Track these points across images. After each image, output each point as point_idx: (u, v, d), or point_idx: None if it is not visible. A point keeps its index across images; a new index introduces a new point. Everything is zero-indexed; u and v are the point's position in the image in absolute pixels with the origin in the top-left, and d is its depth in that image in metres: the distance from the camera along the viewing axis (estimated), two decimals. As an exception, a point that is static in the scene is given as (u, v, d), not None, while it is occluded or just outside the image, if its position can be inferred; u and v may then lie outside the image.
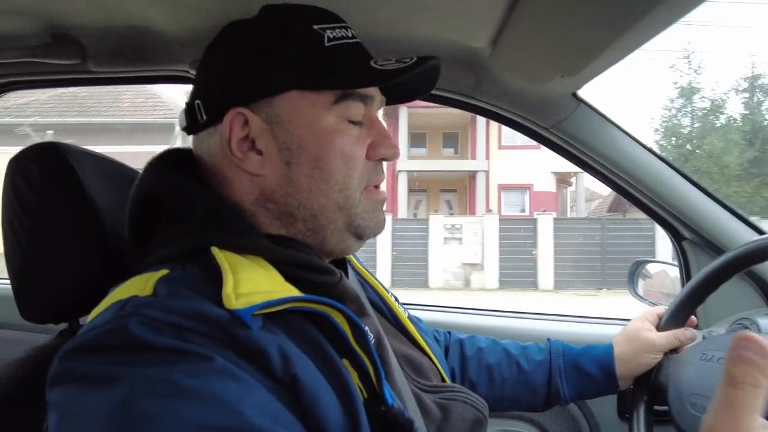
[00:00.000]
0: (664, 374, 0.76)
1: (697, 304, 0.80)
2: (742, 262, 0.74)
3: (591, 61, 0.76)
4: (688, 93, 15.09)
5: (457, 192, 15.36)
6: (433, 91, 1.03)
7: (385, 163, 0.61)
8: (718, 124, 14.46)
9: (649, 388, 0.78)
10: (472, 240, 11.53)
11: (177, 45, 0.92)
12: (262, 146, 0.54)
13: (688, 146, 15.52)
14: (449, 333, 0.88)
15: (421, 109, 13.23)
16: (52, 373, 0.41)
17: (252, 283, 0.46)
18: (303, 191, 0.54)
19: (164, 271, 0.47)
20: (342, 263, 0.65)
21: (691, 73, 14.96)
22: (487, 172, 13.91)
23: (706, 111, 15.00)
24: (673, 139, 16.09)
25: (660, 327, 0.81)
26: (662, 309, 0.84)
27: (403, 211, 13.81)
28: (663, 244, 10.76)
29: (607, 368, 0.79)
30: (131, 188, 0.56)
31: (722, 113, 14.68)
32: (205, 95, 0.56)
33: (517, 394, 0.81)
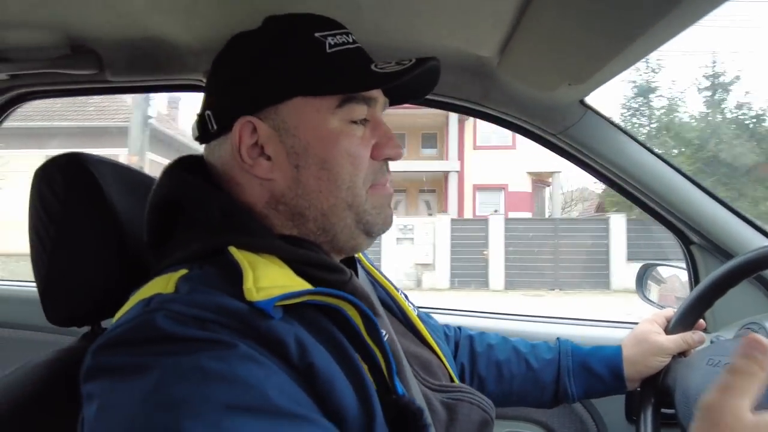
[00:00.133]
0: (672, 377, 0.77)
1: (705, 308, 0.80)
2: (752, 267, 0.74)
3: (599, 69, 0.76)
4: (645, 92, 14.79)
5: (436, 192, 15.20)
6: (440, 99, 1.06)
7: (390, 163, 0.62)
8: (675, 123, 14.18)
9: (657, 391, 0.78)
10: (423, 240, 11.53)
11: (191, 55, 0.95)
12: (270, 152, 0.56)
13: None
14: (459, 329, 0.90)
15: (400, 110, 13.19)
16: (86, 368, 0.43)
17: (270, 279, 0.48)
18: (312, 192, 0.56)
19: (183, 271, 0.49)
20: (352, 263, 0.67)
21: (649, 72, 14.70)
22: (459, 173, 13.72)
23: (663, 110, 14.71)
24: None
25: (668, 330, 0.81)
26: (671, 312, 0.84)
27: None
28: (617, 243, 10.67)
29: (615, 369, 0.80)
30: (148, 194, 0.58)
31: (678, 112, 14.38)
32: (215, 106, 0.58)
33: (525, 390, 0.82)
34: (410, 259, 11.52)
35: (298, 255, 0.53)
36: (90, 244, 0.63)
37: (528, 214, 12.90)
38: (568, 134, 0.99)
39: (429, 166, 14.39)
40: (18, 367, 0.59)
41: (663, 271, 1.29)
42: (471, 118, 13.20)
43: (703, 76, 13.45)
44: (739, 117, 12.98)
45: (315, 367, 0.44)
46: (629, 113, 14.90)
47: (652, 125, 14.82)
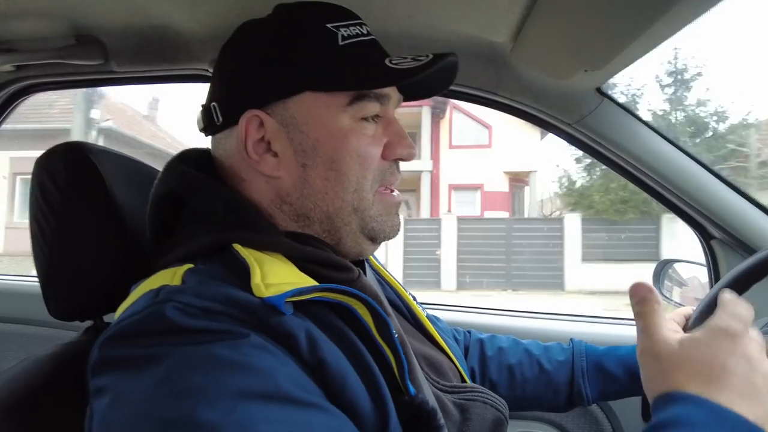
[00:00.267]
0: None
1: None
2: None
3: (616, 54, 0.73)
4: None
5: (415, 192, 15.10)
6: (453, 87, 1.03)
7: (401, 164, 0.60)
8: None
9: None
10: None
11: (196, 43, 0.93)
12: (277, 148, 0.54)
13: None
14: (469, 332, 0.87)
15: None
16: (94, 362, 0.42)
17: (278, 275, 0.47)
18: (318, 193, 0.54)
19: (189, 265, 0.48)
20: (360, 261, 0.65)
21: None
22: (431, 172, 13.43)
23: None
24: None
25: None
26: (689, 310, 0.81)
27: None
28: (571, 242, 10.45)
29: (631, 369, 0.77)
30: (151, 185, 0.56)
31: (637, 109, 13.93)
32: (221, 97, 0.56)
33: (538, 394, 0.80)
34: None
35: (304, 253, 0.52)
36: (91, 235, 0.61)
37: (505, 214, 12.70)
38: (584, 124, 0.96)
39: (403, 165, 14.21)
40: (21, 361, 0.58)
41: (680, 268, 1.26)
42: (446, 117, 13.23)
43: (665, 72, 13.02)
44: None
45: (326, 363, 0.43)
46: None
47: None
